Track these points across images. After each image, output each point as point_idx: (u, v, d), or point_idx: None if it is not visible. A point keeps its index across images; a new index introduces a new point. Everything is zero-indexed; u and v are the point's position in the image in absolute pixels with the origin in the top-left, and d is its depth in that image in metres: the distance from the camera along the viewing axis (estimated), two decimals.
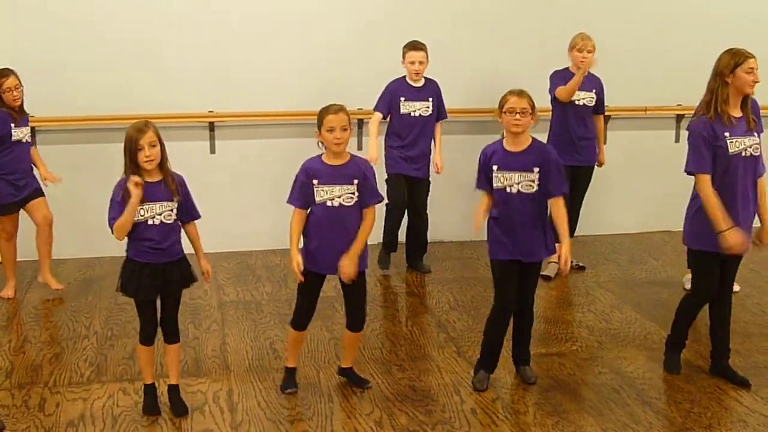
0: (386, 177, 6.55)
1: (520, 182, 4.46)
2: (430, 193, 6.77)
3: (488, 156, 4.57)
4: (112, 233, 4.14)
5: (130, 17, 6.87)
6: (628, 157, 7.85)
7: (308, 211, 4.44)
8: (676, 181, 6.62)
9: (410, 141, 6.53)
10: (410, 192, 6.63)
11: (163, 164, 4.19)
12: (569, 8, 7.46)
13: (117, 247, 4.30)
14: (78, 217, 6.96)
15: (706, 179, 4.53)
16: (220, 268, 6.74)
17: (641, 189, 7.91)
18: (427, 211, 6.78)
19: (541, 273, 5.09)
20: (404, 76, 6.55)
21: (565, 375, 4.94)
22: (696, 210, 4.70)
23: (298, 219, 4.45)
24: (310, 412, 4.45)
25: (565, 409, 4.49)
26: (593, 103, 6.57)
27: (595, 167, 6.75)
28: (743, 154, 4.58)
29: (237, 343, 5.36)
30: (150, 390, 4.44)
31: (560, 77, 6.45)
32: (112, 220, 4.13)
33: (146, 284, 4.21)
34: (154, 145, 4.10)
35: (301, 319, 4.62)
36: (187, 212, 4.33)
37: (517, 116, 4.42)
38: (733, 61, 4.57)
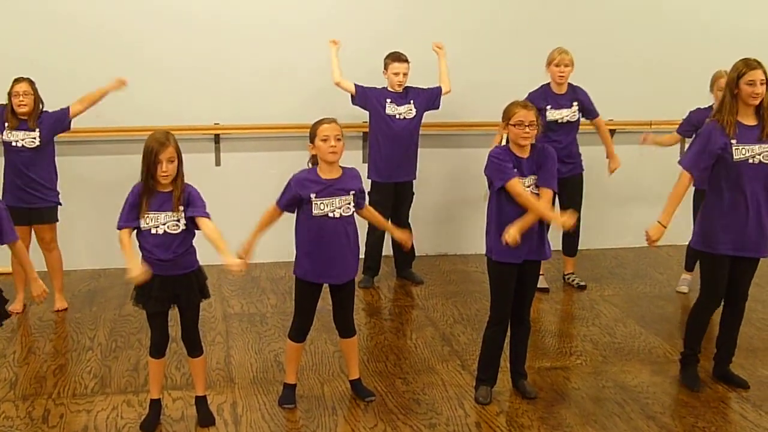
0: (371, 185, 6.50)
1: (530, 186, 4.51)
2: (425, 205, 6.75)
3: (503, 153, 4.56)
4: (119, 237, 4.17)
5: (137, 29, 6.90)
6: (632, 171, 7.84)
7: (306, 220, 4.45)
8: None
9: (399, 150, 6.48)
10: (393, 201, 6.62)
11: (176, 178, 4.15)
12: (573, 22, 7.48)
13: (122, 259, 4.30)
14: (83, 228, 6.98)
15: (687, 177, 4.67)
16: (225, 280, 6.75)
17: (646, 203, 7.88)
18: (409, 220, 6.76)
19: (538, 286, 5.09)
20: (384, 87, 6.55)
21: (569, 389, 4.93)
22: (703, 213, 4.74)
23: (272, 214, 4.54)
24: (314, 424, 4.44)
25: (569, 423, 4.48)
26: (576, 117, 6.41)
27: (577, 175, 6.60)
28: (751, 161, 4.56)
29: (241, 356, 5.36)
30: (154, 405, 4.43)
31: (538, 100, 6.23)
32: (120, 222, 4.17)
33: (156, 296, 4.19)
34: (172, 161, 4.09)
35: (300, 331, 4.65)
36: (193, 209, 4.16)
37: (527, 129, 4.47)
38: (736, 72, 4.58)
